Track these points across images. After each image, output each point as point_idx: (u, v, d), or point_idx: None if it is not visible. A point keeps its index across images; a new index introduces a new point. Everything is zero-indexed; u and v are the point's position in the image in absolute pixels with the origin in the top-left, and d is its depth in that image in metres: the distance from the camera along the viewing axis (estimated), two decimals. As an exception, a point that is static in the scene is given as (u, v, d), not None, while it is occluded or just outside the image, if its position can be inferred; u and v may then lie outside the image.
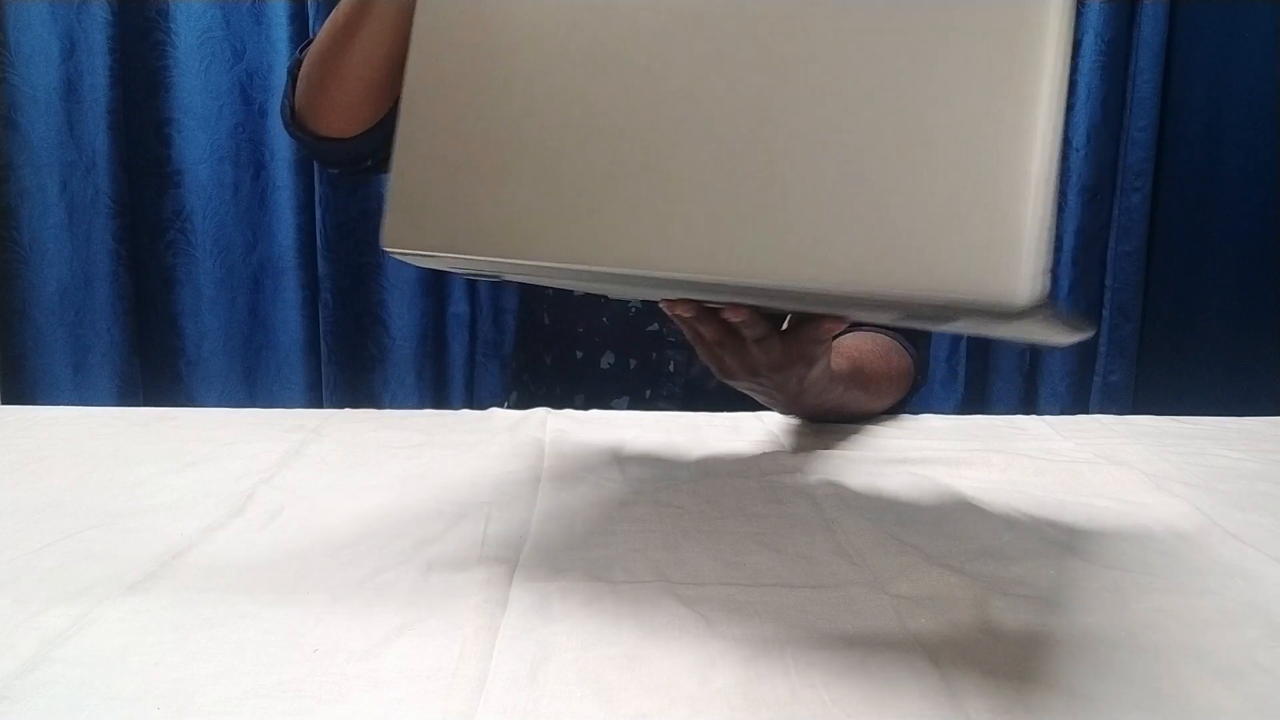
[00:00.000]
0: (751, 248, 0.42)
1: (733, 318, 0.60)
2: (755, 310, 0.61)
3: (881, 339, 0.91)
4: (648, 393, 1.01)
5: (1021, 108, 0.36)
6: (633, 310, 1.00)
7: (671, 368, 1.00)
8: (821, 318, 0.63)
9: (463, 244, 0.52)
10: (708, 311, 0.61)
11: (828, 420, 0.83)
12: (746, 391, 0.74)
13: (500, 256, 0.51)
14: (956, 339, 1.44)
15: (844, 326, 0.69)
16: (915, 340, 0.94)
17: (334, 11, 0.77)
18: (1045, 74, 0.36)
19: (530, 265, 0.50)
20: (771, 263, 0.41)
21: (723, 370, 0.69)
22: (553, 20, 0.50)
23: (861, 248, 0.39)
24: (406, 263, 0.54)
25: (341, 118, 0.81)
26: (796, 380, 0.69)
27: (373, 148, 0.83)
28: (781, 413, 0.84)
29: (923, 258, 0.37)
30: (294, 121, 0.83)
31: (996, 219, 0.36)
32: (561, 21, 0.50)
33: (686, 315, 0.60)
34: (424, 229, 0.53)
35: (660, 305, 0.61)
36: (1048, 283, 0.36)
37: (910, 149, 0.38)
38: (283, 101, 0.85)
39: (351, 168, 0.86)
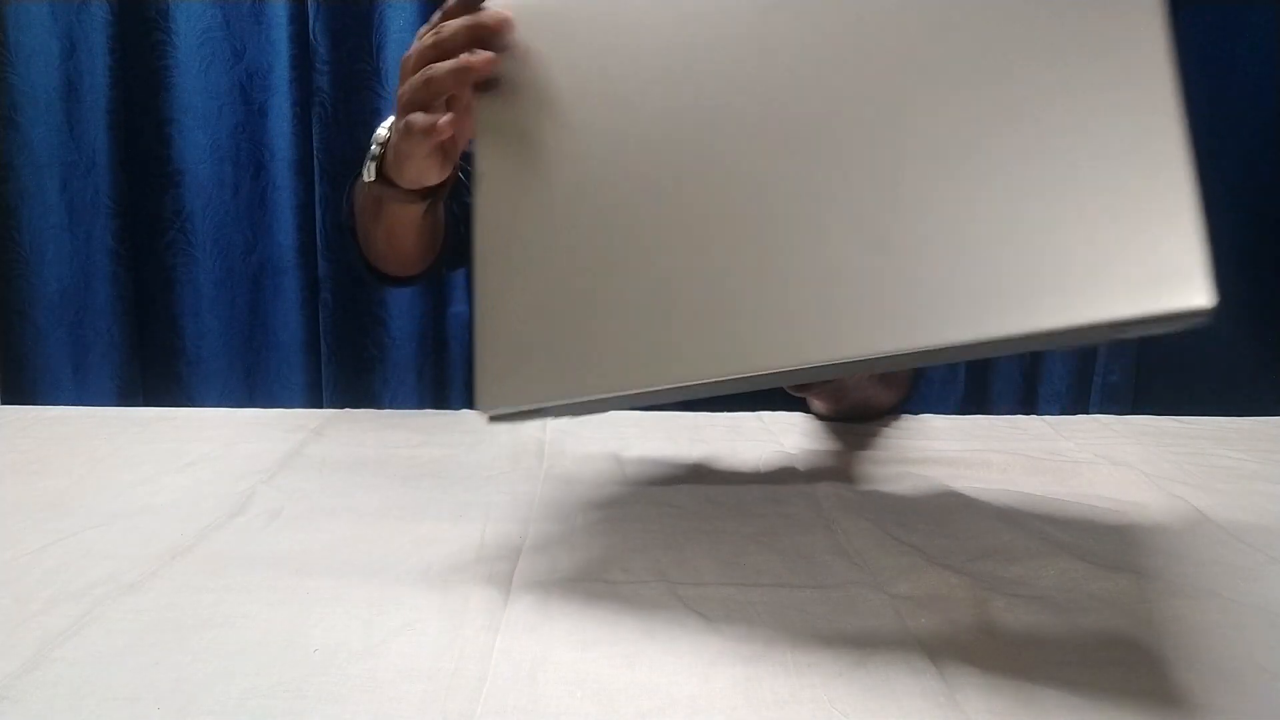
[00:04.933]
0: (900, 317, 0.41)
1: None
2: None
3: None
4: None
5: (1160, 119, 0.37)
6: None
7: None
8: None
9: (550, 391, 0.54)
10: None
11: (854, 419, 0.83)
12: (797, 395, 0.76)
13: (589, 395, 0.53)
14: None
15: None
16: None
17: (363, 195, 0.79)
18: (1169, 78, 0.37)
19: (621, 396, 0.52)
20: (954, 321, 0.40)
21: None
22: (597, 175, 0.52)
23: (1049, 289, 0.38)
24: (507, 423, 0.57)
25: (403, 268, 0.86)
26: (851, 380, 0.73)
27: (440, 270, 0.89)
28: (821, 414, 0.84)
29: (1114, 283, 0.37)
30: (366, 266, 0.87)
31: (1170, 232, 0.36)
32: (606, 176, 0.52)
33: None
34: (515, 386, 0.55)
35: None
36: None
37: (1068, 185, 0.38)
38: (350, 244, 0.88)
39: (421, 282, 0.92)
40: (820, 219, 0.44)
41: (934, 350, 0.41)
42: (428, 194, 0.68)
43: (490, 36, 0.55)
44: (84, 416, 0.82)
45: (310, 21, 1.33)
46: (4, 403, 1.35)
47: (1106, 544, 0.56)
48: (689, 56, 0.50)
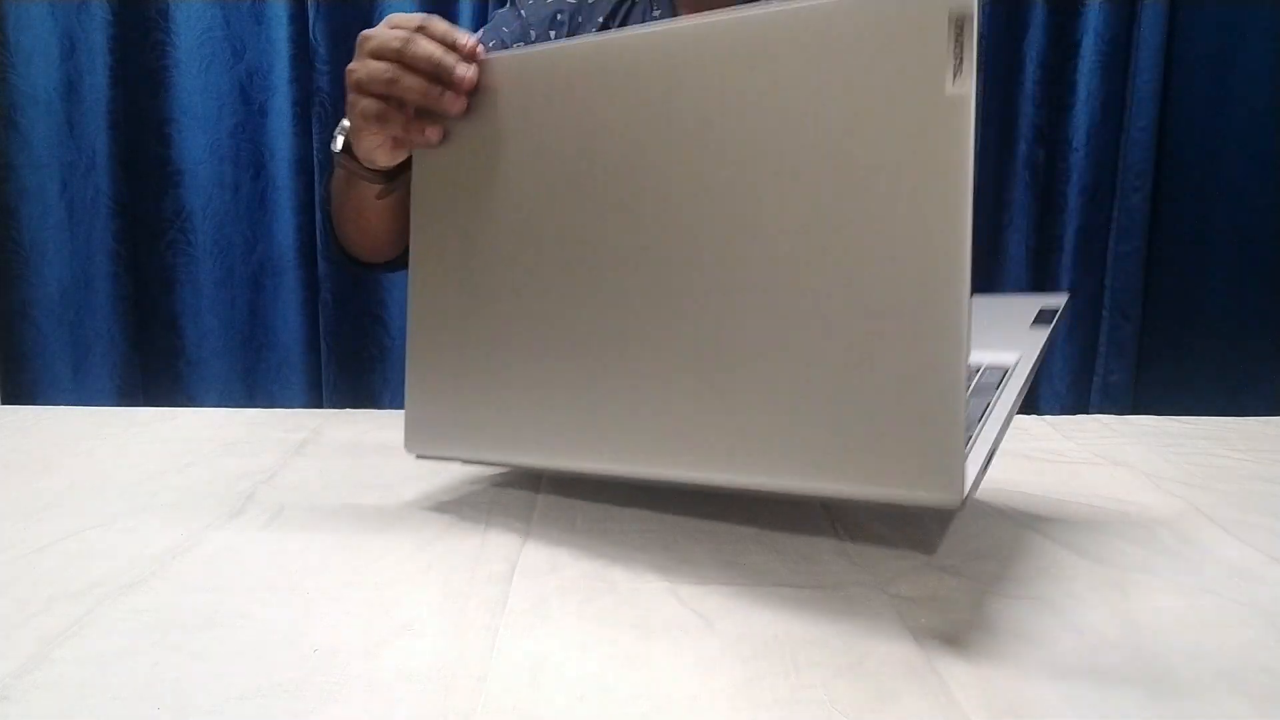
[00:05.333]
0: (710, 450, 0.48)
1: None
2: None
3: None
4: None
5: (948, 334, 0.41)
6: None
7: None
8: None
9: (468, 449, 0.59)
10: None
11: None
12: None
13: (508, 460, 0.58)
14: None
15: None
16: None
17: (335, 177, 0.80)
18: (964, 306, 0.41)
19: (536, 467, 0.57)
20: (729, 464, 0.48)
21: None
22: (533, 240, 0.55)
23: (815, 450, 0.45)
24: (435, 461, 0.62)
25: (371, 253, 0.86)
26: None
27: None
28: None
29: (870, 463, 0.43)
30: (337, 248, 0.88)
31: (934, 429, 0.42)
32: (543, 241, 0.54)
33: None
34: (440, 435, 0.60)
35: None
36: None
37: (851, 369, 0.44)
38: (327, 226, 0.89)
39: (395, 270, 0.92)
40: (673, 356, 0.49)
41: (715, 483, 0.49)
42: (390, 174, 0.68)
43: (452, 84, 0.57)
44: (84, 416, 0.82)
45: (310, 21, 1.33)
46: (4, 403, 1.35)
47: (1106, 544, 0.56)
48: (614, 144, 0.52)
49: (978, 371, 0.57)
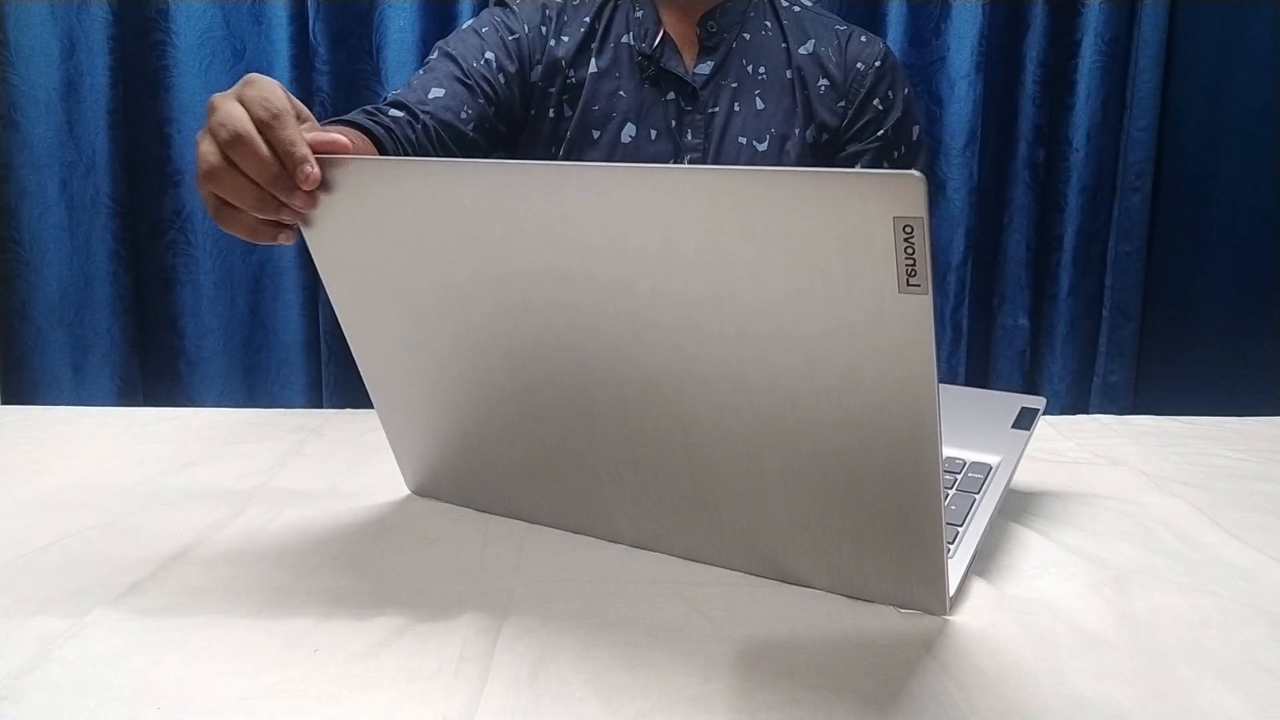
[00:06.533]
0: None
1: None
2: None
3: None
4: None
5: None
6: None
7: None
8: None
9: (454, 496, 0.61)
10: None
11: None
12: None
13: (492, 512, 0.59)
14: (956, 339, 1.44)
15: None
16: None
17: None
18: (937, 463, 0.42)
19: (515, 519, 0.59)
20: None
21: None
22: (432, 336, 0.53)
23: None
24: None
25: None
26: None
27: None
28: None
29: (868, 585, 0.48)
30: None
31: (920, 569, 0.46)
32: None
33: None
34: (428, 479, 0.62)
35: None
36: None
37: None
38: None
39: None
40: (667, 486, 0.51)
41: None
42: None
43: (290, 201, 0.49)
44: (84, 416, 0.82)
45: (310, 21, 1.33)
46: (4, 403, 1.35)
47: (1106, 544, 0.56)
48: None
49: (963, 468, 0.58)
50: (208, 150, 0.50)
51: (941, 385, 0.60)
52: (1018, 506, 0.62)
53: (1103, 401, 1.48)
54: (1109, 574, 0.52)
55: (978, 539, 0.52)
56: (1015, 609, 0.48)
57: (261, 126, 0.49)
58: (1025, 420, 0.63)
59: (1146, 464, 0.72)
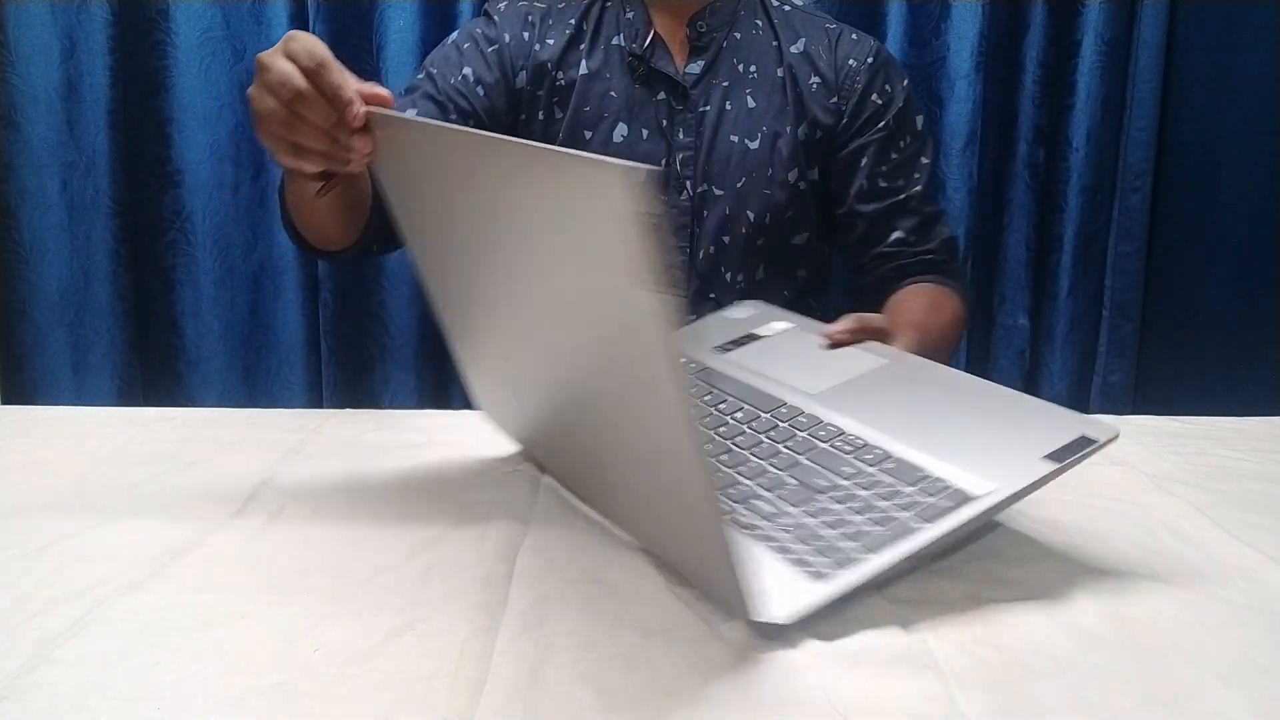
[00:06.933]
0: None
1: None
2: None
3: (927, 288, 1.00)
4: None
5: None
6: None
7: None
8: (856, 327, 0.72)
9: (510, 433, 0.69)
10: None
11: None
12: None
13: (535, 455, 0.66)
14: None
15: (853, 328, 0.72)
16: (950, 266, 1.04)
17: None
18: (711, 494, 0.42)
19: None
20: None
21: None
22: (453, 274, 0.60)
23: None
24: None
25: (320, 242, 0.89)
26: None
27: (362, 250, 0.91)
28: None
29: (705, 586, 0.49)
30: (291, 233, 0.90)
31: (718, 577, 0.46)
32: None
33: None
34: (493, 412, 0.70)
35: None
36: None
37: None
38: (282, 211, 0.90)
39: (351, 263, 0.94)
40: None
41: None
42: (325, 174, 0.66)
43: (345, 146, 0.57)
44: (84, 416, 0.82)
45: (310, 21, 1.33)
46: (4, 403, 1.35)
47: (1106, 544, 0.56)
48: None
49: (939, 490, 0.50)
50: (273, 106, 0.57)
51: (999, 389, 0.60)
52: (1016, 507, 0.62)
53: (1103, 401, 1.48)
54: (1109, 574, 0.52)
55: (882, 570, 0.46)
56: (1013, 610, 0.48)
57: (310, 75, 0.56)
58: (1069, 452, 0.52)
59: (1147, 464, 0.72)
